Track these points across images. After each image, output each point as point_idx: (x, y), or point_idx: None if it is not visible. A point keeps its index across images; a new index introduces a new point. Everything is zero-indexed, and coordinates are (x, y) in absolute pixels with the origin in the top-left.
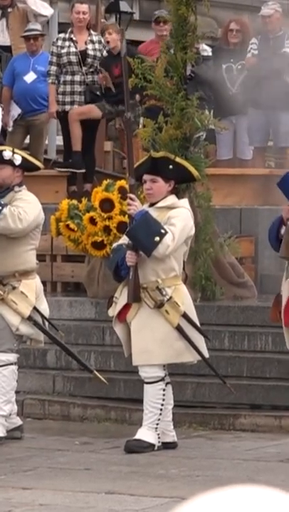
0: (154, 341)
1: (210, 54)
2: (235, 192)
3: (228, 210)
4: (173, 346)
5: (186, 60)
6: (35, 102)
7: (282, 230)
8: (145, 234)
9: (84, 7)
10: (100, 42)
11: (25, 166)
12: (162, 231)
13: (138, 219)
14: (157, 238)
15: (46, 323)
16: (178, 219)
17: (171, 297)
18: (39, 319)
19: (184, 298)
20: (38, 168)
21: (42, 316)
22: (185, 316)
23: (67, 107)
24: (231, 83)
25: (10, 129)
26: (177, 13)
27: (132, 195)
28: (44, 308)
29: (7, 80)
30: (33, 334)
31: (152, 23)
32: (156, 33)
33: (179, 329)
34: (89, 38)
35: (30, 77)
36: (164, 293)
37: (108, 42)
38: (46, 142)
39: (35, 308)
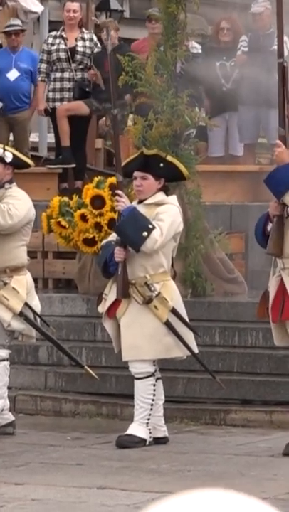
0: (143, 337)
1: (200, 51)
2: (225, 189)
3: (219, 207)
4: (162, 342)
5: (176, 58)
6: (18, 99)
7: (269, 227)
8: (133, 229)
9: (75, 5)
10: (91, 40)
11: (16, 164)
12: (150, 226)
13: (126, 215)
14: (145, 233)
15: (38, 319)
16: (166, 215)
17: (159, 293)
18: (30, 315)
19: (172, 293)
20: (28, 166)
21: (33, 311)
22: (174, 311)
23: (57, 104)
24: (226, 80)
25: None
26: (167, 11)
27: (120, 192)
28: (35, 304)
29: None
30: (24, 330)
31: (146, 21)
32: (149, 30)
33: (167, 325)
34: (80, 36)
35: (13, 75)
36: (152, 289)
37: (103, 39)
38: (36, 139)
39: (26, 304)
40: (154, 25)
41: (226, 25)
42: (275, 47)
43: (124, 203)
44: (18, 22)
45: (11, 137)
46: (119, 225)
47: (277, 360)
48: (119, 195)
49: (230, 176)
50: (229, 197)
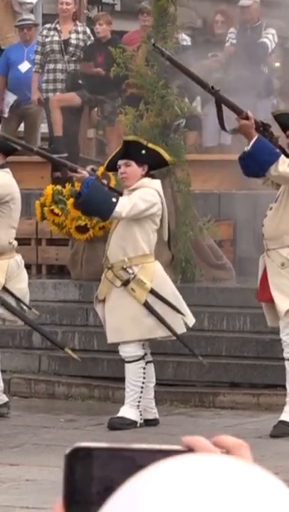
0: (125, 319)
1: (189, 44)
2: (214, 177)
3: (207, 195)
4: (144, 323)
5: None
6: (30, 91)
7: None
8: (102, 196)
9: None
10: (84, 32)
11: (3, 148)
12: (116, 194)
13: (90, 184)
14: (114, 199)
15: (22, 303)
16: (137, 191)
17: (136, 275)
18: (10, 299)
19: (152, 275)
20: (15, 150)
21: (13, 295)
22: (153, 292)
23: (50, 95)
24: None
25: (6, 115)
26: (157, 4)
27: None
28: (20, 287)
29: (1, 69)
30: (3, 314)
31: (138, 14)
32: (140, 23)
33: (146, 306)
34: (74, 28)
35: (24, 67)
36: (130, 271)
37: (98, 32)
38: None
39: (4, 288)
40: (145, 18)
41: (221, 18)
42: (263, 39)
43: (82, 173)
44: (30, 16)
45: (21, 129)
46: (87, 194)
47: (265, 344)
48: (76, 172)
49: (219, 165)
50: (218, 185)
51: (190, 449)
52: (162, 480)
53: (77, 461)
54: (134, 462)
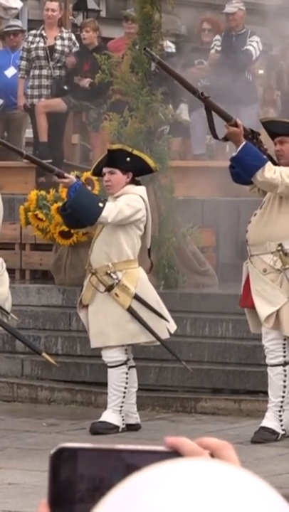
0: (108, 324)
1: (174, 51)
2: (197, 184)
3: (191, 201)
4: (126, 328)
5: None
6: (15, 96)
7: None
8: (89, 200)
9: (53, 4)
10: (70, 39)
11: None
12: (102, 199)
13: (78, 188)
14: (101, 204)
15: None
16: (122, 198)
17: (120, 280)
18: None
19: (136, 281)
20: None
21: None
22: (137, 298)
23: (35, 100)
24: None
25: None
26: (142, 11)
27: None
28: (0, 292)
29: None
30: None
31: (123, 21)
32: (125, 30)
33: (130, 311)
34: (59, 35)
35: (10, 72)
36: (114, 277)
37: (85, 38)
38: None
39: None
40: (130, 25)
41: (208, 26)
42: (247, 47)
43: (70, 178)
44: (17, 23)
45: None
46: (74, 198)
47: (247, 350)
48: (63, 177)
49: (202, 172)
50: (201, 192)
51: (174, 450)
52: (161, 484)
53: (62, 462)
54: (119, 461)
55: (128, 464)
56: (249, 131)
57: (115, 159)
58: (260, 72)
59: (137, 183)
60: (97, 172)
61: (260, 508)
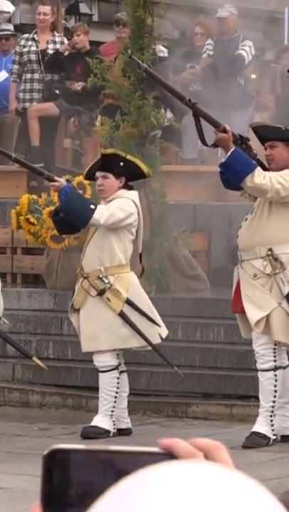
0: (99, 328)
1: (166, 55)
2: (189, 188)
3: (183, 206)
4: (118, 332)
5: (143, 61)
6: (7, 100)
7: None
8: (80, 203)
9: (46, 8)
10: (62, 43)
11: None
12: (94, 202)
13: (68, 191)
14: (92, 206)
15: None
16: (114, 202)
17: (112, 285)
18: None
19: (128, 285)
20: None
21: None
22: (129, 302)
23: (27, 104)
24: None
25: None
26: (135, 15)
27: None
28: None
29: None
30: None
31: (114, 25)
32: (116, 34)
33: (122, 316)
34: (51, 39)
35: (2, 76)
36: (106, 281)
37: (77, 43)
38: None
39: None
40: (121, 30)
41: (200, 30)
42: (240, 51)
43: (60, 182)
44: (9, 27)
45: None
46: (65, 201)
47: (238, 355)
48: (53, 180)
49: (194, 176)
50: (193, 196)
51: (168, 452)
52: (156, 487)
53: (55, 463)
54: (112, 465)
55: (118, 469)
56: (238, 136)
57: (109, 164)
58: (253, 76)
59: (130, 188)
60: (90, 176)
61: (256, 510)
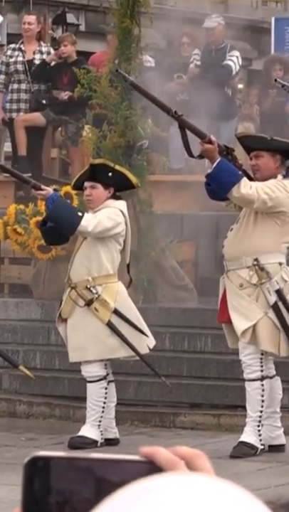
0: (87, 338)
1: (153, 65)
2: (176, 198)
3: (170, 216)
4: (106, 342)
5: (130, 71)
6: None
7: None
8: (68, 211)
9: (31, 18)
10: (48, 53)
11: None
12: (81, 209)
13: (55, 199)
14: (80, 213)
15: None
16: (101, 211)
17: (99, 295)
18: None
19: (116, 295)
20: None
21: None
22: (117, 312)
23: (14, 114)
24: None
25: None
26: (121, 25)
27: (39, 187)
28: None
29: None
30: None
31: (107, 35)
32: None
33: (110, 326)
34: (38, 49)
35: None
36: (94, 291)
37: (64, 53)
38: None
39: None
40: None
41: (187, 40)
42: (227, 61)
43: (47, 190)
44: None
45: None
46: (52, 209)
47: (226, 364)
48: (40, 189)
49: (181, 186)
50: (180, 206)
51: (149, 460)
52: (153, 500)
53: (36, 471)
54: (92, 473)
55: (99, 476)
56: (223, 147)
57: (97, 174)
58: (240, 86)
59: (118, 198)
60: (78, 186)
61: None
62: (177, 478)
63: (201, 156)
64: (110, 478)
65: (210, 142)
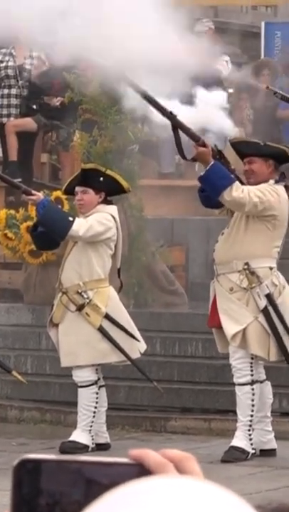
0: (78, 343)
1: None
2: (167, 203)
3: (160, 220)
4: (97, 347)
5: None
6: None
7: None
8: (58, 216)
9: None
10: (39, 58)
11: None
12: (72, 214)
13: (46, 205)
14: (71, 218)
15: None
16: (93, 215)
17: (91, 300)
18: None
19: (107, 300)
20: None
21: None
22: (108, 317)
23: (4, 120)
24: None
25: None
26: None
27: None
28: None
29: None
30: None
31: None
32: None
33: (101, 331)
34: (29, 54)
35: None
36: (85, 296)
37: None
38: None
39: None
40: None
41: None
42: (217, 66)
43: (38, 195)
44: None
45: None
46: (43, 214)
47: (216, 369)
48: (30, 194)
49: (172, 191)
50: (171, 211)
51: (139, 462)
52: (143, 503)
53: (25, 473)
54: (81, 475)
55: (88, 479)
56: (216, 151)
57: (88, 178)
58: (230, 91)
59: (109, 203)
60: (69, 191)
61: None
62: (166, 481)
63: (194, 159)
64: (100, 481)
65: (204, 145)
